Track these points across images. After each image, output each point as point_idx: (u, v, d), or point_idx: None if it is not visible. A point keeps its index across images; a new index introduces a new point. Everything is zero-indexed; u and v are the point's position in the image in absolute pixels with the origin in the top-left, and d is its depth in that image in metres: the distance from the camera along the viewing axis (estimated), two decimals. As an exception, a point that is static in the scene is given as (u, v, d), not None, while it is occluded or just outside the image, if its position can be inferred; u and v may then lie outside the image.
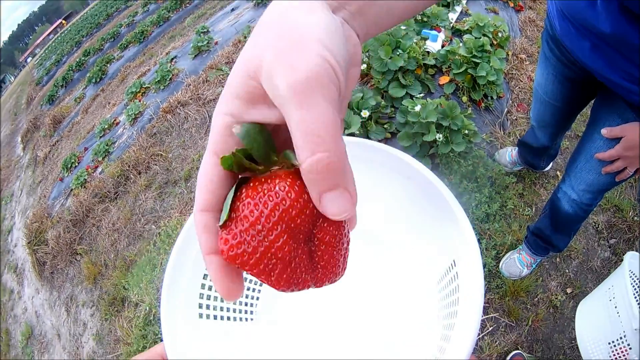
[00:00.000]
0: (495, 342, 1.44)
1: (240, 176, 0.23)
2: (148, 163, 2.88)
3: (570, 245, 1.61)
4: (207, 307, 0.41)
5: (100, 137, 3.73)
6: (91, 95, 5.62)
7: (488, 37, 2.10)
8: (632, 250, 1.57)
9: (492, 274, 1.58)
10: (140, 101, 3.59)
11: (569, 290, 1.55)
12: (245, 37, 3.58)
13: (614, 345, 1.10)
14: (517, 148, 1.73)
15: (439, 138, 1.64)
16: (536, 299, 1.53)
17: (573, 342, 1.41)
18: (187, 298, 0.39)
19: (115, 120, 3.83)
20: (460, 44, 2.01)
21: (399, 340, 0.43)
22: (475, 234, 0.32)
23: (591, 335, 1.20)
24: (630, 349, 1.06)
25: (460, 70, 1.93)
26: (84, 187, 3.11)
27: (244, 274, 0.24)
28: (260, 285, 0.50)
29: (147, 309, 1.99)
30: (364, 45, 1.97)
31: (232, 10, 4.77)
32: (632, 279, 1.22)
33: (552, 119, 1.23)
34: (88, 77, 6.27)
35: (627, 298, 1.06)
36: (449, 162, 1.75)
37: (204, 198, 0.23)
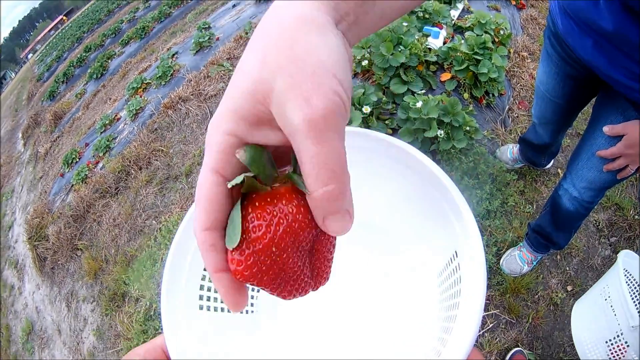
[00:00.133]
0: (496, 339, 1.45)
1: (242, 191, 0.24)
2: (149, 158, 2.88)
3: (571, 243, 1.61)
4: (208, 298, 0.41)
5: (101, 132, 3.72)
6: (92, 91, 5.60)
7: (490, 34, 2.09)
8: (633, 249, 1.57)
9: (492, 271, 1.58)
10: (141, 97, 3.58)
11: (569, 288, 1.55)
12: (246, 33, 3.57)
13: (612, 344, 1.11)
14: (518, 145, 1.73)
15: (440, 134, 1.64)
16: (537, 296, 1.53)
17: (573, 339, 1.42)
18: (187, 290, 0.39)
19: (116, 115, 3.82)
20: (462, 41, 2.00)
21: (399, 334, 0.43)
22: (477, 228, 0.32)
23: (588, 335, 1.22)
24: (628, 346, 1.06)
25: (462, 67, 1.93)
26: (85, 182, 3.11)
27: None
28: None
29: (148, 304, 2.00)
30: (365, 40, 1.97)
31: (234, 6, 4.75)
32: (627, 277, 1.23)
33: (553, 116, 1.23)
34: (89, 73, 6.24)
35: (622, 296, 1.07)
36: (450, 159, 1.75)
37: (208, 217, 0.23)
